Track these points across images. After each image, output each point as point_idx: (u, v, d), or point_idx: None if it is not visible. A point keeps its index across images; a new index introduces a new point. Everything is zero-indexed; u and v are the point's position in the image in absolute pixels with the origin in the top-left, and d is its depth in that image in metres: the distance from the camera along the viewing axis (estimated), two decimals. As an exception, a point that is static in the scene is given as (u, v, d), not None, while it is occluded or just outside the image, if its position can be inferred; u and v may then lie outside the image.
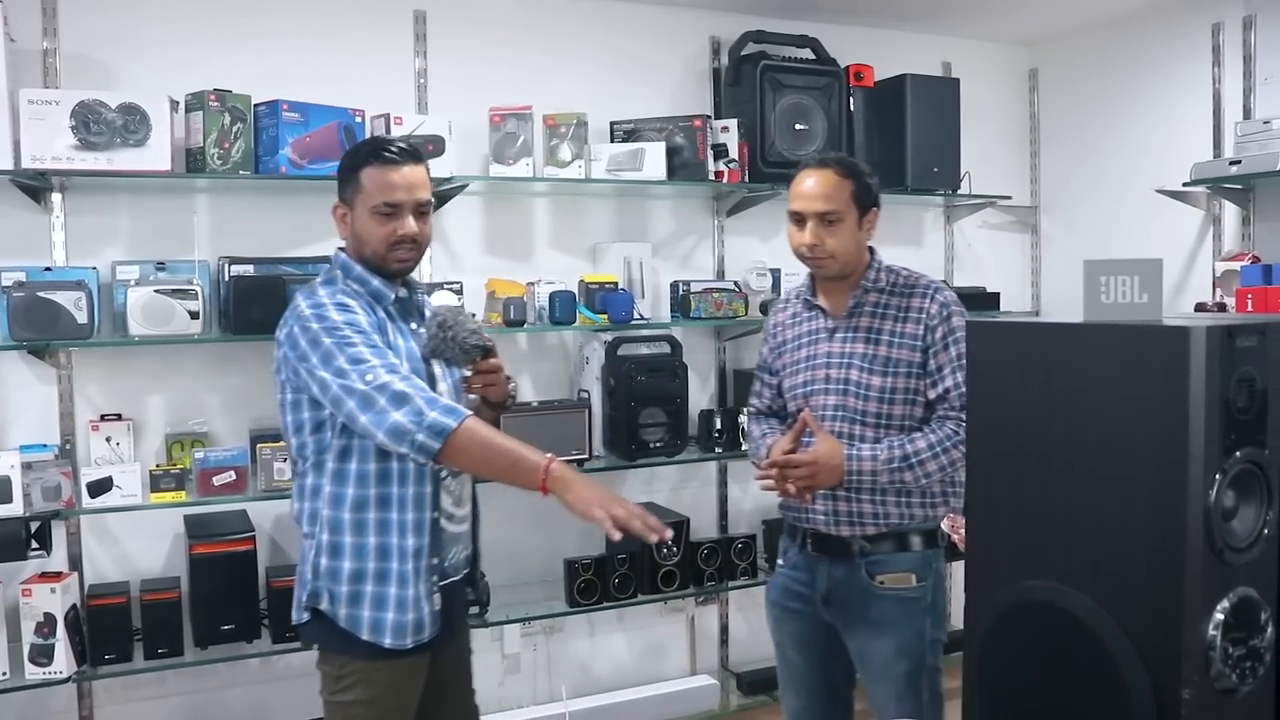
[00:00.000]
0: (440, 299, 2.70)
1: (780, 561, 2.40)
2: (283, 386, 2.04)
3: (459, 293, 3.05)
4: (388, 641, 1.97)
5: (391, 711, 2.03)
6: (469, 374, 2.11)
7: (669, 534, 1.82)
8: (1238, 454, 1.17)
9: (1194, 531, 1.15)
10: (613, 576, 3.19)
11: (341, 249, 2.12)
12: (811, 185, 2.25)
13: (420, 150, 2.11)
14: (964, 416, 2.07)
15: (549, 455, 1.85)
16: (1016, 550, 1.33)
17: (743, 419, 3.32)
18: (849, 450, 2.18)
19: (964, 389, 2.11)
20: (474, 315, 2.24)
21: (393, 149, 2.06)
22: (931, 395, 2.22)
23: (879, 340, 2.24)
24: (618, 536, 1.78)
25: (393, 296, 2.06)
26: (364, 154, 2.08)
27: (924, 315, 2.23)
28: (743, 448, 3.32)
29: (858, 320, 2.28)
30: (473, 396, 2.14)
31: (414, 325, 2.10)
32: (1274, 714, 1.24)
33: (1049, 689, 1.28)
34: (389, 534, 1.99)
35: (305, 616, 2.03)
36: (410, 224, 2.04)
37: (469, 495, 2.17)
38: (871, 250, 2.33)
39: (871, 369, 2.23)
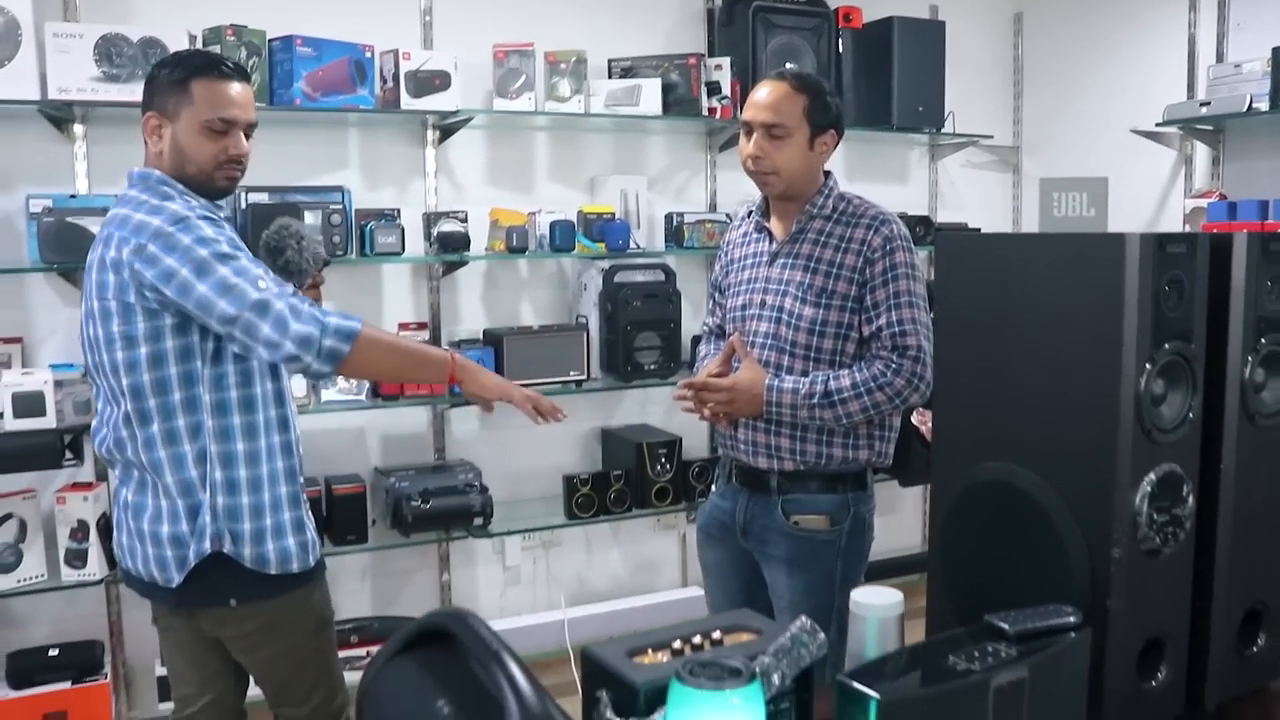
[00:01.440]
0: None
1: (714, 488, 2.38)
2: (125, 316, 1.84)
3: (464, 220, 3.20)
4: (295, 567, 1.95)
5: (327, 630, 2.10)
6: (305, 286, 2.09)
7: (560, 414, 2.04)
8: (1166, 346, 1.34)
9: (1126, 413, 1.32)
10: (609, 491, 3.37)
11: (144, 168, 1.96)
12: (763, 95, 2.15)
13: (246, 70, 2.04)
14: (896, 358, 2.10)
15: (451, 353, 1.98)
16: (976, 437, 1.50)
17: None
18: (770, 381, 2.12)
19: (902, 329, 2.11)
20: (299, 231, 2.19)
21: (227, 64, 1.95)
22: (865, 332, 2.14)
23: (816, 270, 2.15)
24: (531, 412, 2.01)
25: (220, 216, 1.94)
26: (194, 65, 1.92)
27: (865, 248, 2.13)
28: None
29: (799, 247, 2.18)
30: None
31: None
32: (1192, 572, 1.42)
33: (1002, 556, 1.46)
34: (277, 458, 1.95)
35: (192, 564, 1.89)
36: (244, 143, 1.94)
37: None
38: (827, 174, 2.23)
39: (805, 298, 2.14)
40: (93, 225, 2.77)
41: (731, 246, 2.36)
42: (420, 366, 1.97)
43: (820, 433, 2.14)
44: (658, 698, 1.22)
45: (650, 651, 1.32)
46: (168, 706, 2.99)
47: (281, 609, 1.98)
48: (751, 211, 2.32)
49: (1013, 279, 1.44)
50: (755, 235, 2.28)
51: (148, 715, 3.06)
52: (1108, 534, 1.34)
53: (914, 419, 2.28)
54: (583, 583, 3.68)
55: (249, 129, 1.96)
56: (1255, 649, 1.50)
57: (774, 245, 2.23)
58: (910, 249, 2.16)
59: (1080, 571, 1.36)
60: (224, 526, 1.89)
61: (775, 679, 1.25)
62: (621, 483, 3.39)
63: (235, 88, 1.93)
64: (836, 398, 2.09)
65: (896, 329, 2.12)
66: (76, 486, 2.91)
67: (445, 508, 3.07)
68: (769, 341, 2.17)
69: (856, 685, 1.10)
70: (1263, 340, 1.43)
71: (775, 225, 2.25)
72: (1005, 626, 1.23)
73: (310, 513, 2.05)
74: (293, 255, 2.03)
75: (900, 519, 4.23)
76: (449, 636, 1.20)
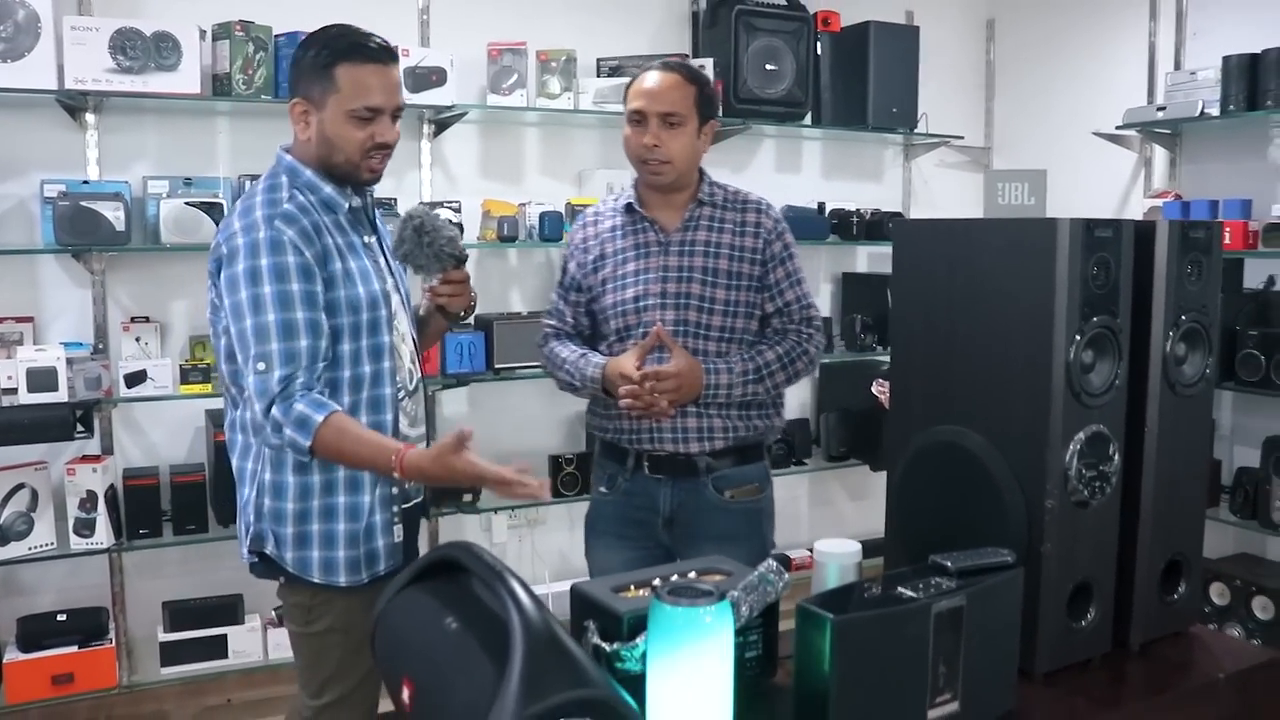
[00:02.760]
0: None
1: (604, 489, 2.30)
2: (213, 305, 1.90)
3: (457, 210, 3.35)
4: (342, 580, 1.89)
5: (365, 638, 1.97)
6: (435, 282, 2.06)
7: (544, 492, 1.81)
8: (1094, 320, 1.50)
9: (1058, 379, 1.49)
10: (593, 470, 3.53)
11: (287, 149, 1.93)
12: (656, 83, 2.16)
13: (394, 49, 1.92)
14: (805, 329, 2.24)
15: (400, 456, 1.78)
16: (927, 403, 1.67)
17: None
18: (706, 364, 2.15)
19: (806, 302, 2.25)
20: (449, 221, 2.14)
21: (373, 44, 1.87)
22: (769, 309, 2.23)
23: (718, 254, 2.20)
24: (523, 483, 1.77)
25: (346, 206, 1.92)
26: (341, 48, 1.85)
27: (761, 230, 2.22)
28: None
29: (694, 234, 2.21)
30: (429, 304, 2.13)
31: (366, 238, 1.97)
32: (1118, 524, 1.59)
33: (949, 508, 1.62)
34: (335, 469, 1.87)
35: (253, 559, 1.94)
36: (392, 129, 1.89)
37: (422, 416, 2.11)
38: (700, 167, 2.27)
39: (715, 282, 2.18)
40: (104, 209, 2.91)
41: (600, 242, 2.29)
42: (371, 468, 1.86)
43: (741, 408, 2.20)
44: (640, 625, 1.38)
45: (633, 588, 1.48)
46: (170, 672, 3.14)
47: (319, 597, 1.92)
48: (616, 207, 2.29)
49: (960, 260, 1.61)
50: (633, 227, 2.25)
51: (150, 679, 3.20)
52: (1042, 487, 1.51)
53: (874, 389, 2.44)
54: (565, 559, 3.82)
55: (396, 113, 1.90)
56: (1176, 596, 1.68)
57: (661, 235, 2.22)
58: (790, 230, 2.30)
59: (1017, 521, 1.53)
60: (268, 527, 1.89)
61: (744, 611, 1.42)
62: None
63: (382, 71, 1.85)
64: (765, 372, 2.19)
65: (804, 302, 2.27)
66: (86, 459, 3.05)
67: (435, 486, 3.22)
68: (680, 328, 2.17)
69: (814, 608, 1.26)
70: (1183, 318, 1.60)
71: (659, 216, 2.23)
72: (947, 564, 1.39)
73: (389, 529, 1.95)
74: (410, 249, 1.95)
75: (872, 504, 4.39)
76: (455, 567, 1.36)
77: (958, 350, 1.62)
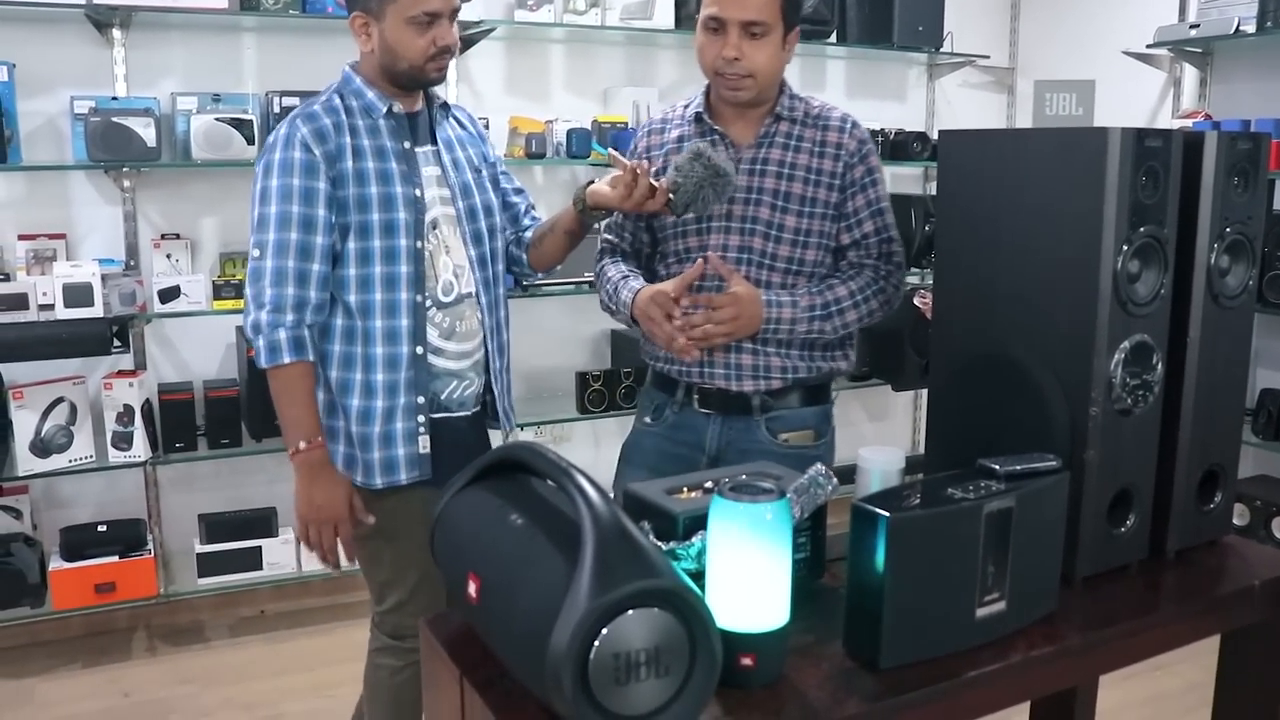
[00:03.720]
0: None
1: (648, 420, 2.14)
2: None
3: (485, 127, 3.33)
4: (357, 478, 1.97)
5: (411, 543, 1.99)
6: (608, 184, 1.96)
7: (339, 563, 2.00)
8: (1141, 229, 1.52)
9: (1105, 288, 1.51)
10: (618, 388, 3.56)
11: (353, 66, 2.00)
12: None
13: None
14: (884, 264, 2.05)
15: (312, 443, 1.91)
16: (971, 314, 1.69)
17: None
18: (767, 296, 1.97)
19: (888, 235, 2.05)
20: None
21: None
22: (845, 240, 2.04)
23: (792, 176, 2.00)
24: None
25: (384, 109, 1.96)
26: None
27: (842, 152, 2.02)
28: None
29: (767, 152, 2.01)
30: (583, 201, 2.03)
31: (417, 146, 2.00)
32: (1159, 432, 1.61)
33: (993, 418, 1.65)
34: (372, 370, 1.95)
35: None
36: (451, 32, 1.92)
37: (475, 329, 2.07)
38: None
39: (786, 207, 1.99)
40: (135, 125, 2.91)
41: (663, 153, 2.09)
42: (284, 430, 1.94)
43: (804, 347, 2.03)
44: (695, 525, 1.42)
45: (685, 490, 1.52)
46: (206, 583, 3.22)
47: (358, 498, 2.00)
48: (685, 116, 2.08)
49: (1008, 171, 1.61)
50: (701, 140, 2.02)
51: (187, 589, 3.28)
52: (1086, 395, 1.53)
53: (916, 300, 2.42)
54: (591, 474, 3.87)
55: (454, 15, 1.93)
56: (1212, 505, 1.71)
57: (733, 151, 2.01)
58: (877, 153, 2.08)
59: (1061, 429, 1.56)
60: (323, 420, 1.99)
61: (795, 512, 1.45)
62: (630, 380, 3.58)
63: None
64: (834, 309, 2.00)
65: (885, 235, 2.07)
66: (122, 374, 3.09)
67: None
68: (742, 256, 2.00)
69: (869, 507, 1.29)
70: (1228, 230, 1.61)
71: (730, 129, 2.04)
72: (995, 467, 1.42)
73: (412, 439, 1.99)
74: (678, 181, 1.87)
75: (891, 424, 4.45)
76: (516, 467, 1.39)
77: (1003, 261, 1.63)
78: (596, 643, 1.05)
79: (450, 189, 2.04)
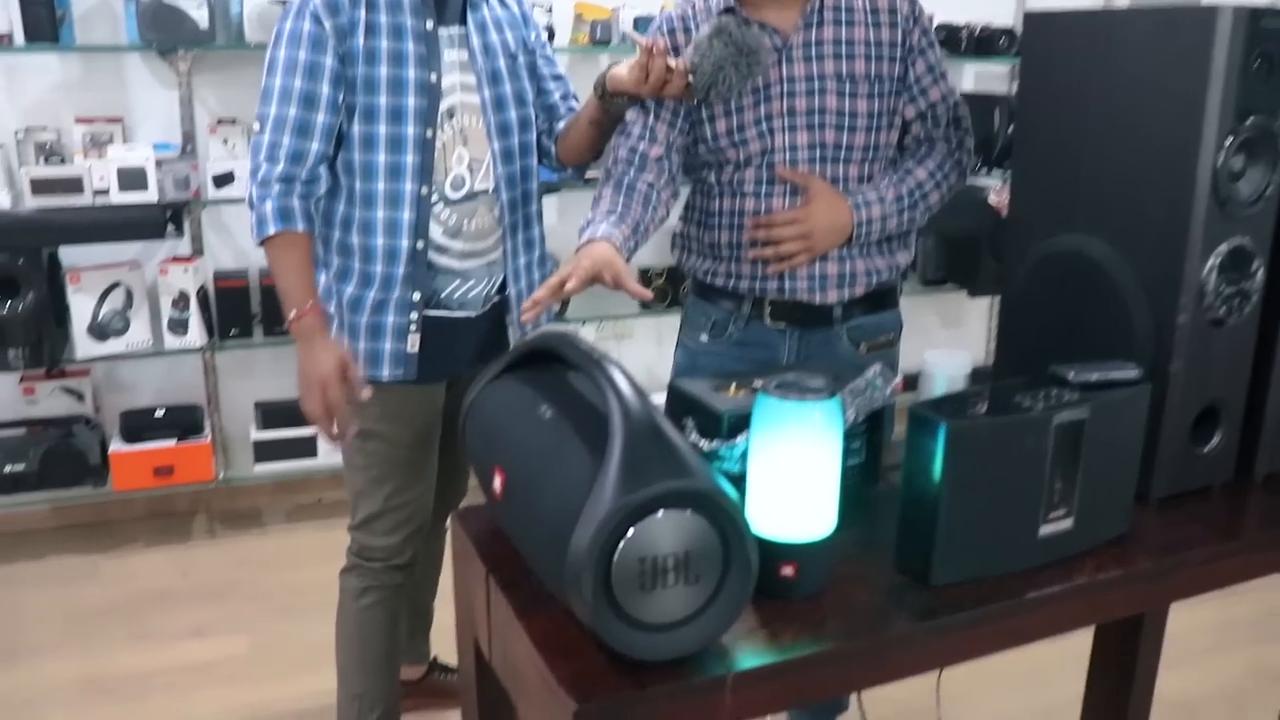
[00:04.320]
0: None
1: (704, 339, 1.93)
2: None
3: (549, 11, 3.21)
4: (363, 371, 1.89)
5: (404, 441, 1.93)
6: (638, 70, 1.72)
7: (345, 437, 1.85)
8: (1249, 120, 1.36)
9: (1202, 185, 1.36)
10: (682, 284, 3.45)
11: None
12: None
13: None
14: (954, 132, 1.89)
15: (302, 309, 1.80)
16: (1051, 209, 1.55)
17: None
18: (853, 199, 1.80)
19: (955, 99, 1.89)
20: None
21: None
22: (910, 113, 1.85)
23: (853, 54, 1.79)
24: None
25: None
26: None
27: (897, 16, 1.82)
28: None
29: (819, 32, 1.79)
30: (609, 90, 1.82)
31: (441, 27, 1.85)
32: (1254, 346, 1.48)
33: (1069, 323, 1.53)
34: (371, 260, 1.86)
35: None
36: None
37: (489, 228, 1.94)
38: None
39: (855, 91, 1.79)
40: (187, 6, 2.83)
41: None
42: (284, 299, 1.83)
43: (883, 243, 1.88)
44: (740, 424, 1.33)
45: (733, 387, 1.43)
46: (263, 469, 3.23)
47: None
48: (716, 5, 1.82)
49: (1098, 54, 1.46)
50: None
51: (243, 475, 3.30)
52: (1174, 301, 1.40)
53: (991, 198, 2.25)
54: (652, 374, 3.81)
55: None
56: (1308, 426, 1.57)
57: (778, 38, 1.79)
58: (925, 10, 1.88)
59: (1144, 337, 1.43)
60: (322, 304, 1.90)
61: (850, 415, 1.36)
62: (681, 266, 3.47)
63: None
64: (919, 194, 1.85)
65: (952, 99, 1.89)
66: (177, 259, 3.07)
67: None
68: (815, 154, 1.80)
69: (928, 413, 1.19)
70: (1350, 121, 1.45)
71: (769, 16, 1.80)
72: (1069, 375, 1.31)
73: (401, 335, 1.89)
74: (696, 61, 1.71)
75: (967, 332, 4.28)
76: (548, 358, 1.31)
77: (1089, 152, 1.49)
78: (621, 545, 0.98)
79: (476, 75, 1.89)
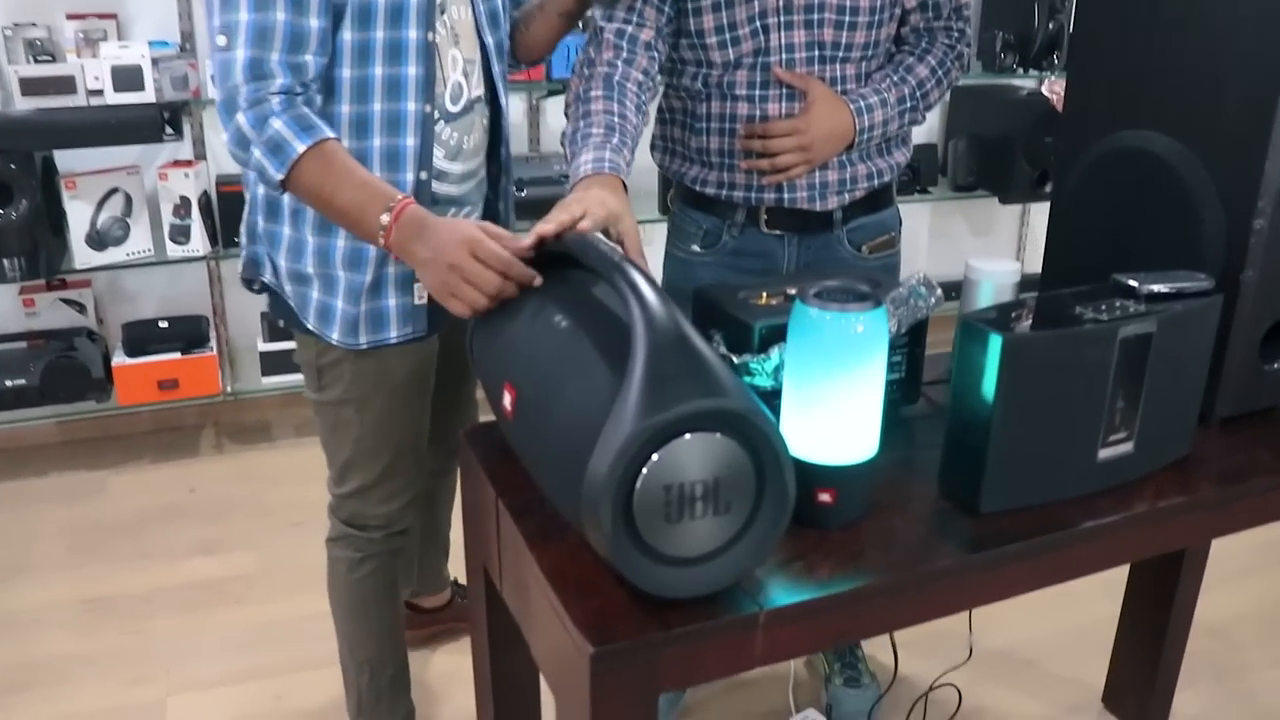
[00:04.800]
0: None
1: (697, 248, 1.80)
2: None
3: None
4: (334, 335, 1.56)
5: (402, 404, 1.65)
6: None
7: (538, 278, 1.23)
8: (1347, 1, 1.23)
9: (1291, 75, 1.23)
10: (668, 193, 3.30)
11: None
12: None
13: None
14: (955, 23, 1.78)
15: (394, 208, 1.33)
16: (1113, 101, 1.42)
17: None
18: (855, 105, 1.68)
19: None
20: None
21: None
22: (911, 2, 1.73)
23: None
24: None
25: None
26: None
27: None
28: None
29: None
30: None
31: None
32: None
33: (1129, 227, 1.40)
34: None
35: (253, 285, 1.64)
36: None
37: (481, 142, 1.66)
38: None
39: None
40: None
41: None
42: (351, 223, 1.40)
43: (882, 144, 1.77)
44: (774, 336, 1.22)
45: (764, 296, 1.32)
46: (270, 382, 3.14)
47: (327, 356, 1.61)
48: None
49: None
50: None
51: (251, 387, 3.22)
52: (1251, 204, 1.27)
53: (1044, 89, 2.08)
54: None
55: None
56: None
57: None
58: None
59: (1214, 243, 1.31)
60: (263, 251, 1.58)
61: (891, 326, 1.24)
62: (665, 171, 3.31)
63: None
64: (920, 94, 1.74)
65: None
66: (178, 164, 2.94)
67: (540, 197, 3.04)
68: (813, 54, 1.66)
69: (980, 324, 1.08)
70: None
71: None
72: (1134, 284, 1.19)
73: (406, 285, 1.58)
74: None
75: (995, 239, 4.12)
76: (563, 262, 1.20)
77: (1158, 37, 1.35)
78: (644, 470, 0.88)
79: None
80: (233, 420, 3.37)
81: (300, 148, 1.35)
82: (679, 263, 1.85)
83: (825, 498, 1.07)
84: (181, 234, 2.91)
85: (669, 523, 0.90)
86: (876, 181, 1.77)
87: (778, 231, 1.76)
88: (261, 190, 1.54)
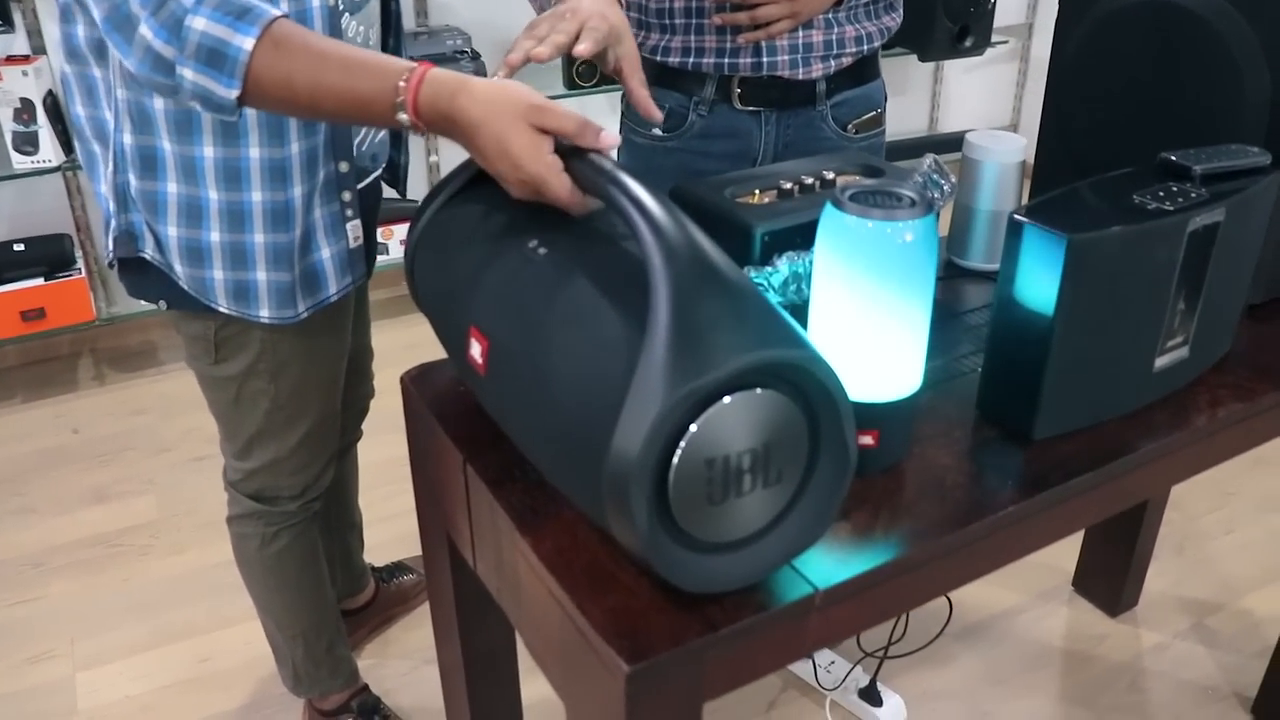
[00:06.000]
0: None
1: (659, 132, 1.58)
2: None
3: None
4: (264, 314, 1.28)
5: (308, 381, 1.40)
6: None
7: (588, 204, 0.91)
8: None
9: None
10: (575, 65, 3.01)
11: None
12: None
13: None
14: None
15: (410, 79, 0.95)
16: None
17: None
18: None
19: None
20: None
21: None
22: None
23: None
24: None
25: None
26: None
27: None
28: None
29: None
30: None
31: None
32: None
33: (1148, 98, 1.24)
34: (284, 141, 1.19)
35: (114, 259, 1.27)
36: None
37: (378, 36, 1.37)
38: None
39: None
40: None
41: None
42: (351, 116, 1.01)
43: (872, 4, 1.57)
44: (778, 244, 1.03)
45: (756, 193, 1.12)
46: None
47: (229, 328, 1.33)
48: None
49: None
50: None
51: (129, 310, 2.89)
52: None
53: None
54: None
55: None
56: None
57: None
58: None
59: (1257, 112, 1.15)
60: (140, 220, 1.24)
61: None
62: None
63: None
64: None
65: None
66: (12, 60, 2.55)
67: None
68: None
69: (1038, 224, 0.90)
70: None
71: None
72: (1190, 165, 1.03)
73: (338, 228, 1.30)
74: None
75: (910, 100, 3.96)
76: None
77: None
78: (682, 445, 0.69)
79: None
80: (112, 345, 3.05)
81: (247, 42, 0.97)
82: (638, 150, 1.60)
83: (867, 440, 0.90)
84: (28, 143, 2.55)
85: (712, 504, 0.72)
86: (865, 47, 1.55)
87: (753, 107, 1.54)
88: (128, 138, 1.17)
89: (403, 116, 0.95)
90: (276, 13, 1.00)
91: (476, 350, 0.87)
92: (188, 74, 0.99)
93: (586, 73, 2.97)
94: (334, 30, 1.19)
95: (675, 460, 0.69)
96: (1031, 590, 2.07)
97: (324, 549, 1.63)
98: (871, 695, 1.77)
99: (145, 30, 0.99)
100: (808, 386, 0.73)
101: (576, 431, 0.74)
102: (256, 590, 1.59)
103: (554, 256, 0.84)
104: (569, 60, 2.94)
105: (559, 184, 0.88)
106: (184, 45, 0.98)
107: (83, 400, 2.81)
